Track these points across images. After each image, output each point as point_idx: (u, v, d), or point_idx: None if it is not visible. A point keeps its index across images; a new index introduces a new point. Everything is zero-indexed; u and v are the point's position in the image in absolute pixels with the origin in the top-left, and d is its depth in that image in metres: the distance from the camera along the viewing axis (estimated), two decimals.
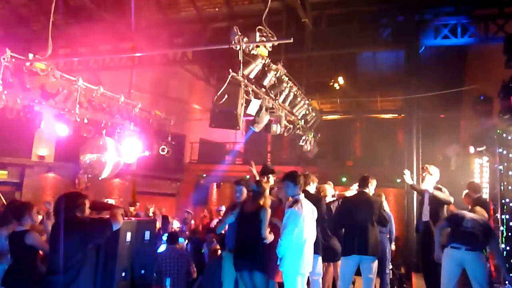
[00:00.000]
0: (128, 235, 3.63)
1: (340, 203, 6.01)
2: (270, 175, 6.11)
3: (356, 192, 6.02)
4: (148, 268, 3.84)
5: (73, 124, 9.43)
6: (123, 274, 3.57)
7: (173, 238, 5.90)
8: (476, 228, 5.05)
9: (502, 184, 7.17)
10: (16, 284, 3.99)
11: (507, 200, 6.92)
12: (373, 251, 5.39)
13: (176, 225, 9.79)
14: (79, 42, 11.36)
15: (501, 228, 7.05)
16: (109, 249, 3.56)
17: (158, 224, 8.73)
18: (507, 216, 6.81)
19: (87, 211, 3.46)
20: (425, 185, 6.32)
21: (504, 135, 7.00)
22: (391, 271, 6.79)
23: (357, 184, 5.95)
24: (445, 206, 6.32)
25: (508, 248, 6.60)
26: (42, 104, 8.64)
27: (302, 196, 4.60)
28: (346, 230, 5.63)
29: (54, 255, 3.30)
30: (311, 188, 5.76)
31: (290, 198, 4.62)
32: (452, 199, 6.29)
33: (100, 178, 9.28)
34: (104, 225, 3.35)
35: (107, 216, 3.48)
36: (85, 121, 9.66)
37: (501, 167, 7.22)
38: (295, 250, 4.39)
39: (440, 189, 6.32)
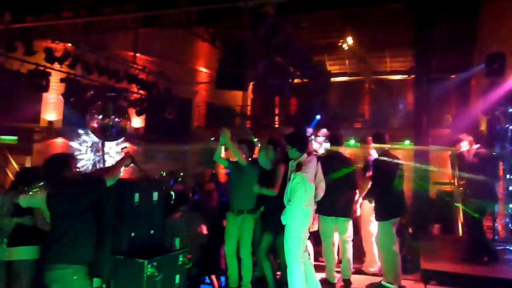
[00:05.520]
0: (136, 196, 3.65)
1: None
2: None
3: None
4: (157, 228, 3.89)
5: (80, 88, 9.43)
6: (132, 234, 3.61)
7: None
8: None
9: None
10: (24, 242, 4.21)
11: None
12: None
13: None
14: (82, 3, 11.12)
15: (510, 188, 7.04)
16: (117, 210, 3.60)
17: None
18: None
19: (75, 169, 3.48)
20: None
21: None
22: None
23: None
24: None
25: None
26: (47, 68, 8.60)
27: None
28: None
29: (51, 215, 3.41)
30: None
31: None
32: None
33: (107, 142, 9.31)
34: (97, 183, 3.36)
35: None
36: (91, 85, 9.67)
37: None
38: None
39: None
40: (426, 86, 8.94)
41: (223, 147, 5.20)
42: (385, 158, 5.42)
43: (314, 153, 4.82)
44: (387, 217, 5.27)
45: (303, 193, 4.30)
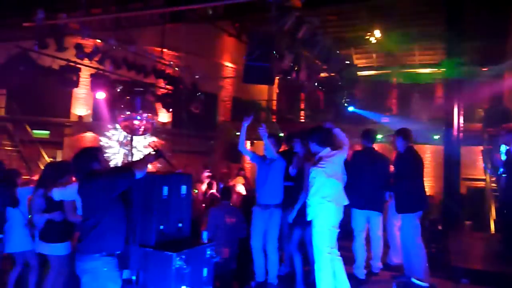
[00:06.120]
0: (165, 189, 3.70)
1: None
2: None
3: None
4: (185, 221, 3.93)
5: (109, 83, 9.59)
6: (161, 227, 3.66)
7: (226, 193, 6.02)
8: None
9: None
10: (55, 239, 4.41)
11: None
12: None
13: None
14: (111, 0, 11.28)
15: None
16: (146, 203, 3.65)
17: None
18: None
19: (103, 162, 3.56)
20: None
21: None
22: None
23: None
24: None
25: None
26: (77, 64, 8.78)
27: None
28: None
29: (82, 207, 3.48)
30: None
31: None
32: None
33: (135, 136, 9.44)
34: (126, 174, 3.39)
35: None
36: (120, 80, 9.82)
37: None
38: None
39: None
40: (457, 80, 8.72)
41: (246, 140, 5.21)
42: (410, 153, 5.35)
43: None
44: (412, 210, 5.20)
45: (317, 188, 4.28)
